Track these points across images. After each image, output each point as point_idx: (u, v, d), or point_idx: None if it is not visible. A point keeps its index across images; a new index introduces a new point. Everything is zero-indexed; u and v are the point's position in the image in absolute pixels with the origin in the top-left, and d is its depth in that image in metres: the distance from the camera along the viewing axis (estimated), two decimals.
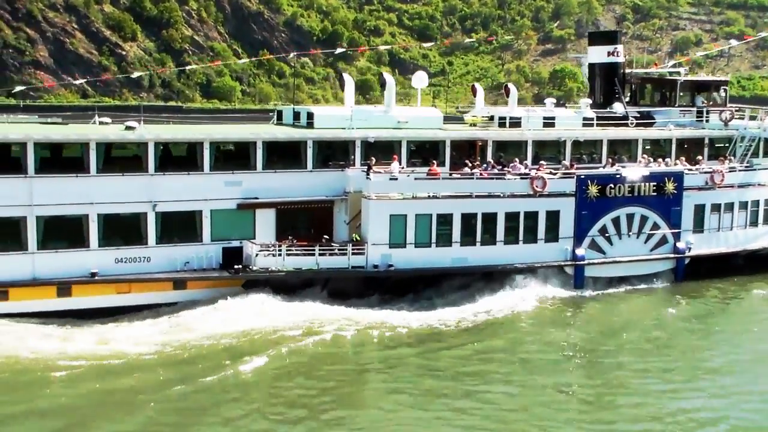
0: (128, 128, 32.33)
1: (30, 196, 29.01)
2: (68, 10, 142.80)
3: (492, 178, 36.58)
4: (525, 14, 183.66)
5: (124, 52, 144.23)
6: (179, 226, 31.97)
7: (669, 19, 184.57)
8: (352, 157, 35.76)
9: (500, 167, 37.59)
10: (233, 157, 34.10)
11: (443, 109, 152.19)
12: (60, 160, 31.09)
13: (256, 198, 33.47)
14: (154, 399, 24.30)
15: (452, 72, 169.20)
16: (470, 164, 37.31)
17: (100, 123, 35.26)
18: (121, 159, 32.11)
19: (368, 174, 34.59)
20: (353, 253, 33.78)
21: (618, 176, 38.49)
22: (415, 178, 35.39)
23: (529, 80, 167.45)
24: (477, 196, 35.87)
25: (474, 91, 45.74)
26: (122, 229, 30.95)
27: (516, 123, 40.57)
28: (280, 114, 40.34)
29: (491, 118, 42.04)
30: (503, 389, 26.62)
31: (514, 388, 26.81)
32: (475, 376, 27.72)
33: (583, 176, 37.87)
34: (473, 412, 24.55)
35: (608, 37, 46.59)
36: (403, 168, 35.93)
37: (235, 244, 33.10)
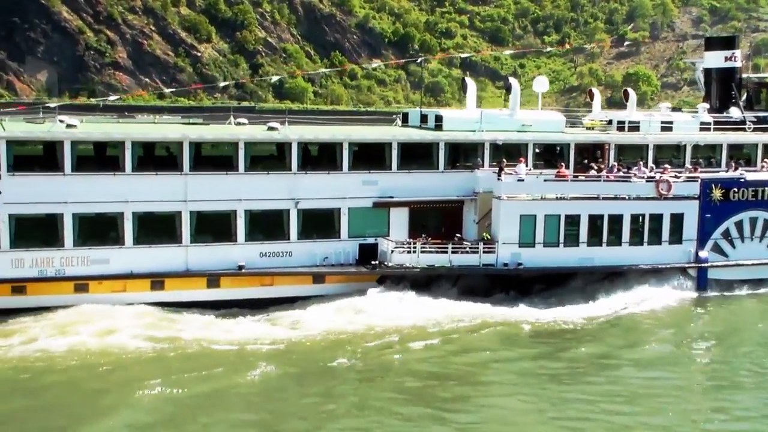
0: (271, 128, 33.89)
1: (185, 192, 30.75)
2: (146, 12, 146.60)
3: (618, 181, 37.61)
4: (598, 17, 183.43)
5: (199, 54, 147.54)
6: (319, 223, 33.53)
7: (748, 20, 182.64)
8: (479, 159, 37.04)
9: (626, 170, 38.61)
10: (369, 157, 35.52)
11: None
12: (208, 158, 32.82)
13: (391, 197, 34.89)
14: (279, 388, 25.62)
15: (524, 75, 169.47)
16: (596, 167, 38.35)
17: (237, 123, 36.88)
18: (262, 158, 33.70)
19: (500, 175, 35.79)
20: (484, 252, 35.08)
21: (742, 180, 39.18)
22: (544, 180, 36.58)
23: (602, 83, 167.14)
24: (603, 198, 36.88)
25: (591, 96, 46.87)
26: (267, 225, 32.52)
27: (634, 127, 41.49)
28: (405, 116, 41.74)
29: (609, 122, 42.98)
30: (622, 390, 27.14)
31: (636, 389, 27.26)
32: (595, 375, 28.40)
33: (707, 180, 38.67)
34: (587, 412, 25.10)
35: (726, 42, 47.20)
36: (529, 170, 37.18)
37: (371, 240, 34.57)
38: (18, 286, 28.28)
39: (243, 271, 31.71)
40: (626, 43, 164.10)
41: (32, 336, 27.13)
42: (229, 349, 28.04)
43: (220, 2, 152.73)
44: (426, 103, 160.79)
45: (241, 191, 31.78)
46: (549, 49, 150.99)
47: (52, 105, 38.24)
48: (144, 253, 30.34)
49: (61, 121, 30.91)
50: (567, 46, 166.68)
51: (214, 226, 31.56)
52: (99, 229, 29.90)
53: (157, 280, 30.39)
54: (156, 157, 32.02)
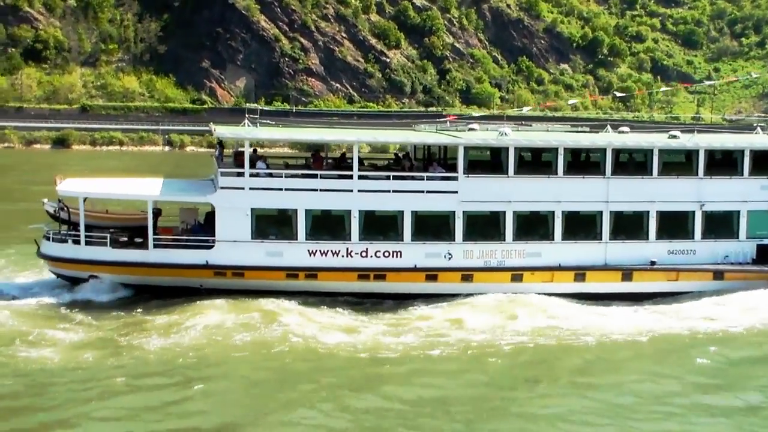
0: (672, 137, 36.20)
1: (606, 194, 33.81)
2: (338, 19, 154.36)
3: None
4: None
5: (387, 59, 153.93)
6: (720, 224, 35.56)
7: None
8: None
9: None
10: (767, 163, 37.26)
11: (708, 118, 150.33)
12: (625, 164, 35.38)
13: None
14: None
15: (719, 78, 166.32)
16: None
17: (620, 131, 39.44)
18: (671, 164, 35.82)
19: None
20: None
21: None
22: None
23: None
24: None
25: None
26: (674, 225, 34.93)
27: None
28: None
29: None
30: None
31: None
32: None
33: None
34: None
35: None
36: None
37: (766, 241, 36.04)
38: (467, 274, 32.11)
39: (654, 266, 34.30)
40: None
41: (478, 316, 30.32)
42: (679, 333, 30.07)
43: (410, 9, 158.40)
44: (615, 109, 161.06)
45: (654, 194, 34.46)
46: (691, 47, 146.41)
47: (475, 115, 41.97)
48: (570, 248, 33.42)
49: (471, 129, 35.05)
50: None
51: (630, 225, 34.43)
52: (533, 226, 33.28)
53: (580, 272, 33.50)
54: (579, 162, 35.19)
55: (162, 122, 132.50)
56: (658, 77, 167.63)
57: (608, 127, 38.36)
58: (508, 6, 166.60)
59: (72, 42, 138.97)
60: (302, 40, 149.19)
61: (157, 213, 30.29)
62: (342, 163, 33.31)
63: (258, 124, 31.41)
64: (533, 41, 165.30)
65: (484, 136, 33.97)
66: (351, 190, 30.53)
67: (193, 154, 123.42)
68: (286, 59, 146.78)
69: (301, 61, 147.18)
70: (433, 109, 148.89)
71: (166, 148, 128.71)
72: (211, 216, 32.09)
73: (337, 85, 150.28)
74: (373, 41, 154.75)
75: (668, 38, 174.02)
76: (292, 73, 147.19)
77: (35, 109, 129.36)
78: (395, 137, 35.53)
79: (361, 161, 32.79)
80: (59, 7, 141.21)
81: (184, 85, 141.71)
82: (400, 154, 36.18)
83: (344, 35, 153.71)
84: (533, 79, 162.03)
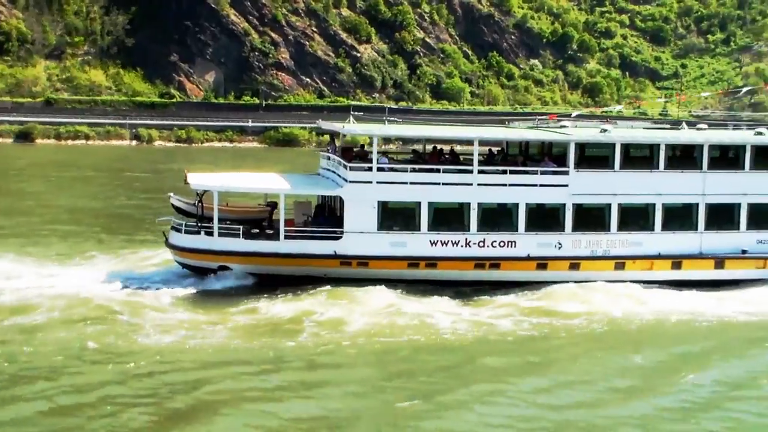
0: (759, 133, 37.83)
1: (702, 187, 35.82)
2: (309, 14, 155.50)
3: None
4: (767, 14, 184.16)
5: (358, 54, 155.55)
6: None
7: None
8: None
9: None
10: None
11: (675, 114, 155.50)
12: (719, 159, 37.27)
13: None
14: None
15: (686, 75, 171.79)
16: None
17: (697, 129, 41.08)
18: (760, 158, 37.35)
19: None
20: None
21: None
22: None
23: None
24: None
25: None
26: (764, 216, 36.70)
27: None
28: None
29: None
30: None
31: None
32: None
33: None
34: None
35: None
36: None
37: None
38: (574, 263, 34.46)
39: (746, 255, 36.56)
40: None
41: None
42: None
43: (381, 3, 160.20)
44: (584, 104, 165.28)
45: (746, 187, 36.46)
46: (659, 43, 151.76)
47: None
48: (667, 238, 35.79)
49: (563, 126, 37.54)
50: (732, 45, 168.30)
51: (723, 216, 36.60)
52: (636, 217, 35.60)
53: (677, 261, 35.93)
54: (677, 157, 36.88)
55: (129, 116, 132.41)
56: (627, 73, 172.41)
57: (683, 124, 40.87)
58: (479, 1, 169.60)
59: (36, 34, 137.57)
60: (272, 34, 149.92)
61: (273, 206, 32.00)
62: (441, 158, 35.48)
63: (386, 122, 33.37)
64: (503, 37, 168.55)
65: (591, 132, 36.33)
66: (471, 184, 32.79)
67: (162, 148, 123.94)
68: (256, 53, 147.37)
69: (271, 55, 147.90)
70: (403, 103, 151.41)
71: (134, 143, 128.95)
72: (319, 209, 34.03)
73: (308, 79, 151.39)
74: (344, 36, 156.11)
75: (637, 34, 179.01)
76: (262, 67, 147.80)
77: None
78: (512, 134, 37.72)
79: (457, 156, 35.00)
80: None
81: (152, 79, 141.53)
82: (494, 150, 38.37)
83: (315, 30, 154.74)
84: (503, 75, 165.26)
